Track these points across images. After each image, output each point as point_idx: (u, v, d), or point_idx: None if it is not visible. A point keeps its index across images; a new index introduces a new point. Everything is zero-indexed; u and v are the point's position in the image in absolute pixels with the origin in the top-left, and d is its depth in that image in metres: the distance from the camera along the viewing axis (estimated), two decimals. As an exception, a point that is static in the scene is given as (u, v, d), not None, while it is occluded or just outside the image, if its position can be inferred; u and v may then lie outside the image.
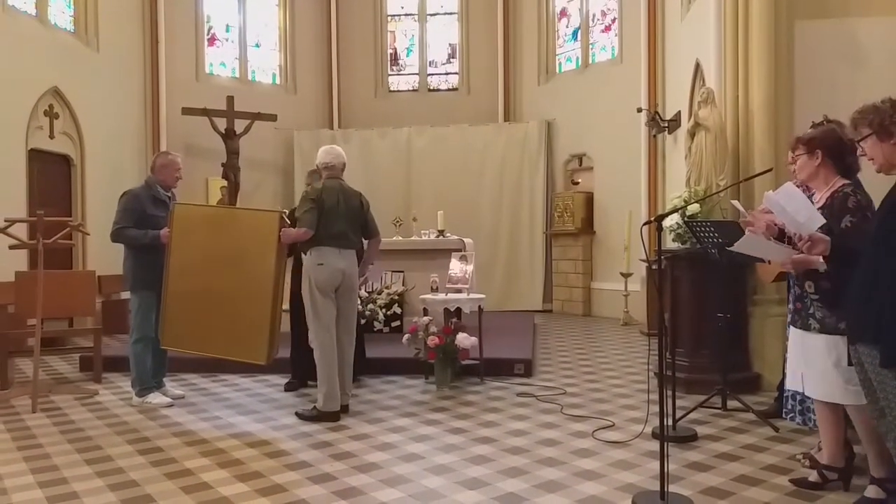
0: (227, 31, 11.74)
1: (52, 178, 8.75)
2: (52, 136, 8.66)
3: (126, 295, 9.43)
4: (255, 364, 4.79)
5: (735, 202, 4.65)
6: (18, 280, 5.80)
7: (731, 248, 3.20)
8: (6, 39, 7.84)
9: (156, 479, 3.46)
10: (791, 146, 3.42)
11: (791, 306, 3.25)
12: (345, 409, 4.66)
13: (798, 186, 3.66)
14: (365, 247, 5.00)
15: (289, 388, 5.43)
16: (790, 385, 3.32)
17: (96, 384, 5.80)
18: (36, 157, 8.36)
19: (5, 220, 5.22)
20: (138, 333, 5.05)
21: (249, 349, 4.64)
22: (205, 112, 10.38)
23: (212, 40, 11.54)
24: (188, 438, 4.17)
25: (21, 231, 5.60)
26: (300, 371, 5.42)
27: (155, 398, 5.03)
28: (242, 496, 3.21)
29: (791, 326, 3.25)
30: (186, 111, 10.29)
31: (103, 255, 9.04)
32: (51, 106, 8.63)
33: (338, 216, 4.62)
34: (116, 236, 5.12)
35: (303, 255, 4.75)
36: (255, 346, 4.60)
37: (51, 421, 4.62)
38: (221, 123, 10.54)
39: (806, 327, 3.10)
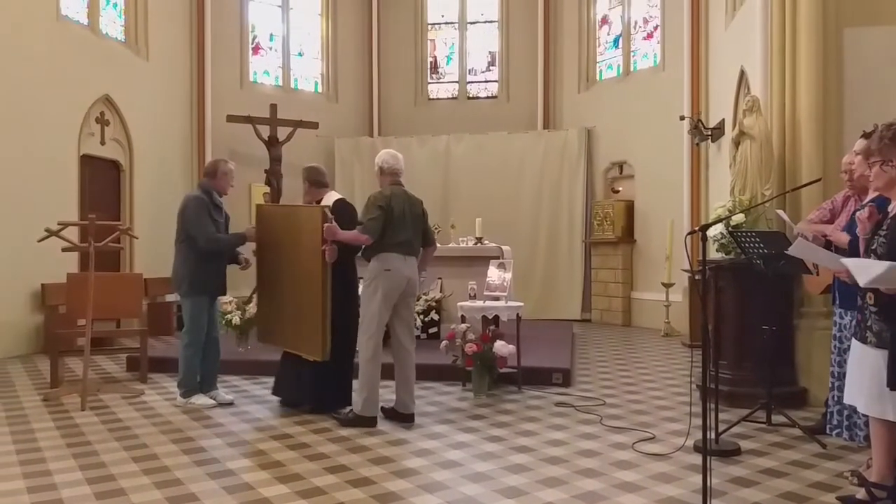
0: (271, 40, 11.96)
1: (103, 182, 9.03)
2: (102, 143, 8.94)
3: (171, 297, 9.71)
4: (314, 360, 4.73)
5: (780, 212, 4.57)
6: (70, 282, 5.98)
7: (786, 252, 3.13)
8: (60, 48, 8.13)
9: (199, 478, 3.53)
10: (865, 153, 3.31)
11: (847, 319, 3.16)
12: (410, 418, 4.62)
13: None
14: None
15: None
16: (848, 399, 3.22)
17: (142, 384, 5.94)
18: (87, 163, 8.65)
19: (59, 224, 5.40)
20: (189, 337, 5.14)
21: (310, 345, 4.70)
22: (249, 119, 10.59)
23: (256, 49, 11.78)
24: (230, 439, 4.25)
25: (72, 234, 5.78)
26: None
27: (199, 399, 5.13)
28: (283, 497, 3.25)
29: (853, 338, 3.17)
30: (231, 118, 10.52)
31: (149, 258, 9.31)
32: (102, 113, 8.92)
33: (405, 223, 4.58)
34: (214, 243, 5.06)
35: (367, 261, 4.64)
36: (314, 342, 4.64)
37: (99, 419, 4.75)
38: (265, 131, 10.76)
39: (863, 340, 3.01)
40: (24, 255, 7.07)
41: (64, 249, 5.53)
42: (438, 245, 7.95)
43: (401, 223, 4.57)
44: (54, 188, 7.94)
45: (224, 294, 5.35)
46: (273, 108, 10.84)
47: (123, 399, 5.37)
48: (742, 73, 7.10)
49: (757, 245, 4.25)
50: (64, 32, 8.29)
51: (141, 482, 3.46)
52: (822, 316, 5.08)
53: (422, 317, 7.50)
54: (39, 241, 5.38)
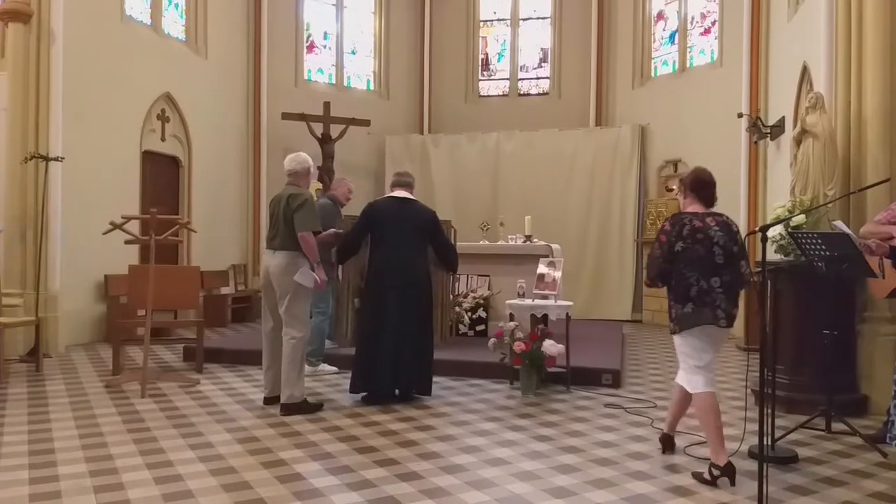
0: (325, 38, 12.14)
1: (163, 178, 9.31)
2: (163, 139, 9.22)
3: (226, 290, 9.95)
4: None
5: (839, 223, 4.40)
6: (131, 273, 6.20)
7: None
8: (124, 48, 8.41)
9: (252, 467, 3.62)
10: None
11: None
12: (272, 402, 4.96)
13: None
14: None
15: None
16: None
17: (198, 374, 6.11)
18: (148, 159, 8.93)
19: (122, 217, 5.60)
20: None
21: None
22: (303, 117, 10.77)
23: (310, 48, 11.96)
24: (282, 430, 4.34)
25: (133, 227, 5.97)
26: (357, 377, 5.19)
27: (325, 368, 6.16)
28: (333, 489, 3.31)
29: None
30: (286, 116, 10.71)
31: (205, 252, 9.56)
32: (163, 110, 9.19)
33: (275, 220, 4.98)
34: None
35: None
36: None
37: (157, 406, 4.91)
38: (318, 128, 10.91)
39: None
40: (89, 246, 7.35)
41: (126, 242, 5.74)
42: (487, 242, 8.14)
43: (272, 220, 5.04)
44: (118, 183, 8.22)
45: None
46: (326, 105, 11.00)
47: (180, 388, 5.54)
48: (805, 69, 6.87)
49: (818, 247, 4.11)
50: (128, 32, 8.57)
51: (197, 468, 3.57)
52: (887, 321, 4.90)
53: (469, 314, 7.51)
54: (104, 233, 5.60)
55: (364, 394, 5.16)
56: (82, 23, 7.67)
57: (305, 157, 5.16)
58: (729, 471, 3.38)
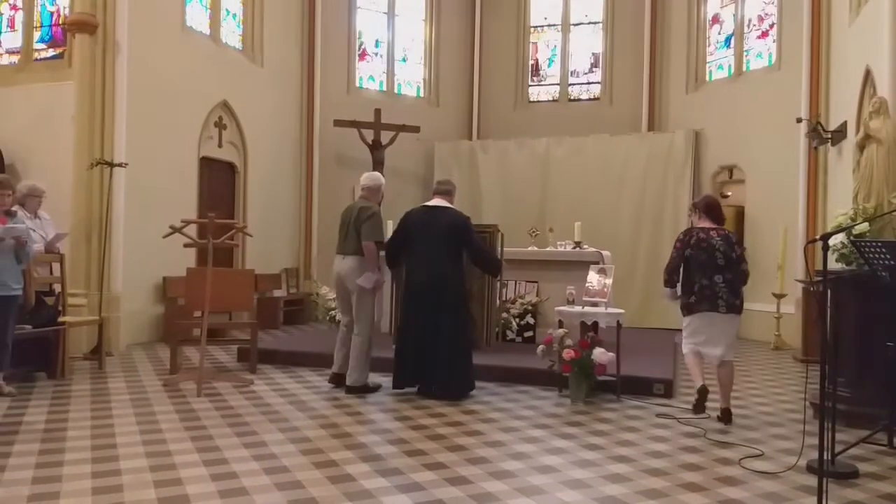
0: (377, 46, 12.29)
1: (219, 183, 9.56)
2: (220, 146, 9.48)
3: (279, 293, 10.11)
4: None
5: None
6: (189, 276, 6.39)
7: None
8: (184, 57, 8.69)
9: (305, 466, 3.69)
10: None
11: None
12: (336, 379, 5.68)
13: None
14: None
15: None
16: None
17: (251, 374, 6.26)
18: (206, 165, 9.19)
19: (181, 221, 5.78)
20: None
21: None
22: (354, 124, 10.93)
23: (362, 55, 12.13)
24: (334, 431, 4.41)
25: (190, 231, 6.15)
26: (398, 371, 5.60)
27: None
28: (383, 490, 3.35)
29: None
30: (338, 123, 10.89)
31: (259, 255, 9.78)
32: (220, 118, 9.45)
33: (344, 228, 5.63)
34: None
35: None
36: None
37: (213, 405, 5.04)
38: (369, 135, 11.06)
39: None
40: (149, 249, 7.61)
41: (185, 245, 5.91)
42: (535, 248, 8.11)
43: (342, 229, 5.67)
44: (177, 188, 8.48)
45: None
46: (377, 112, 11.13)
47: (234, 388, 5.68)
48: (868, 73, 6.65)
49: (883, 256, 3.97)
50: (188, 42, 8.85)
51: (251, 467, 3.65)
52: (957, 334, 4.68)
53: (517, 320, 7.48)
54: (164, 237, 5.79)
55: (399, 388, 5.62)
56: (145, 33, 7.94)
57: (378, 175, 5.93)
58: (702, 392, 4.76)
